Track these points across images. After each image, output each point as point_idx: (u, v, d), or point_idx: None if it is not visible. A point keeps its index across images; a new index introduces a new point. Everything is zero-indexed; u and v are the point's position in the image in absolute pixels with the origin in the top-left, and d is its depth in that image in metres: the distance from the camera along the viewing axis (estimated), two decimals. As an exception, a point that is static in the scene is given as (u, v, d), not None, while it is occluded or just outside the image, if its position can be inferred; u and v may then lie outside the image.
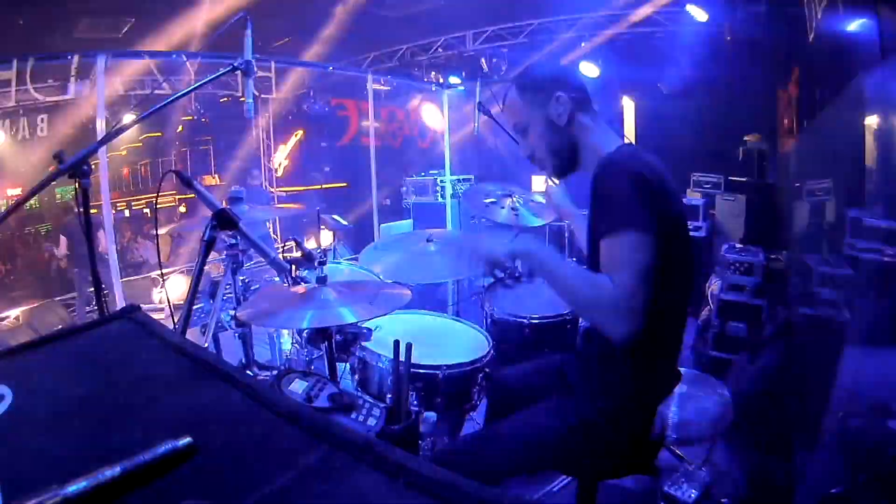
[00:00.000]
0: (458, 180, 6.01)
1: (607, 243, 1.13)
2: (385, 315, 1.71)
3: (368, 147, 5.80)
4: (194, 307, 1.41)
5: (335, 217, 5.47)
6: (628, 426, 1.30)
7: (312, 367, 1.97)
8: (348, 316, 1.45)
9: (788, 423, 2.45)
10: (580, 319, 2.07)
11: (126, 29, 5.96)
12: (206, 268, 1.43)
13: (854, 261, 2.59)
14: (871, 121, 2.59)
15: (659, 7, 5.77)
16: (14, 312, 5.06)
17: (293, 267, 1.68)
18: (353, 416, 1.29)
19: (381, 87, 7.43)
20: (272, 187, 8.21)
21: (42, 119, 6.16)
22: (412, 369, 1.55)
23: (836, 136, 3.11)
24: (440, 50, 7.40)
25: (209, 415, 0.54)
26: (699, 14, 5.36)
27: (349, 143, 8.49)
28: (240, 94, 6.75)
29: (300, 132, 8.67)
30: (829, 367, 2.15)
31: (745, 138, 5.37)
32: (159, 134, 8.00)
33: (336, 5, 6.13)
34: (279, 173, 8.53)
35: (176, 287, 5.47)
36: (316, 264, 1.62)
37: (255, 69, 1.65)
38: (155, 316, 0.83)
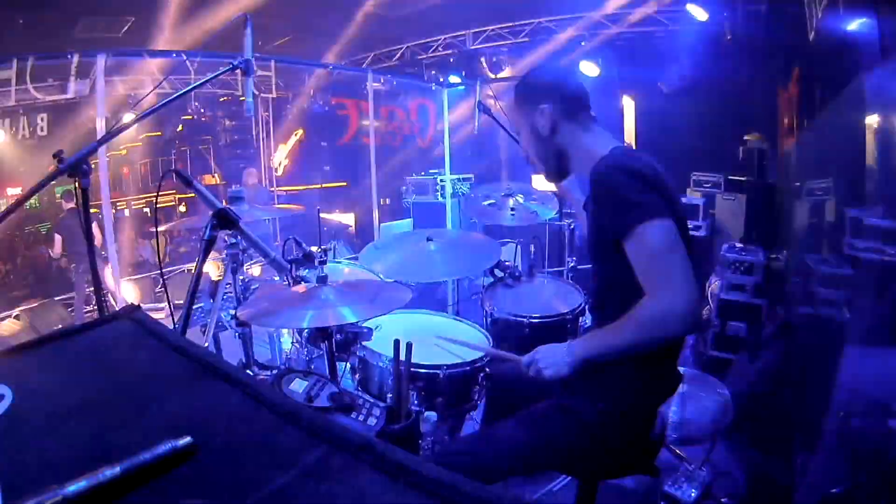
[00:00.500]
0: (458, 180, 6.02)
1: (631, 245, 1.13)
2: (385, 315, 1.71)
3: (368, 147, 5.81)
4: (194, 307, 1.41)
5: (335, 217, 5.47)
6: (628, 426, 1.30)
7: (312, 367, 1.97)
8: (348, 315, 1.45)
9: (788, 423, 2.45)
10: (580, 319, 2.07)
11: (126, 29, 5.95)
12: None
13: (854, 261, 2.59)
14: (871, 121, 2.58)
15: (659, 7, 5.77)
16: (14, 312, 5.05)
17: (293, 266, 1.68)
18: (353, 416, 1.29)
19: (380, 87, 7.42)
20: (272, 187, 8.20)
21: (42, 119, 6.16)
22: (412, 369, 1.54)
23: (836, 136, 3.11)
24: (440, 49, 7.40)
25: (209, 415, 0.54)
26: (699, 14, 5.35)
27: (349, 143, 8.49)
28: (240, 94, 6.76)
29: (300, 132, 8.67)
30: (829, 367, 2.15)
31: (745, 138, 5.37)
32: (159, 134, 8.00)
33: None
34: (279, 173, 8.52)
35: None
36: (316, 264, 1.62)
37: (255, 68, 1.65)
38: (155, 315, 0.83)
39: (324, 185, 8.83)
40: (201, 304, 2.57)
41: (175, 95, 1.72)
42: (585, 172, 1.27)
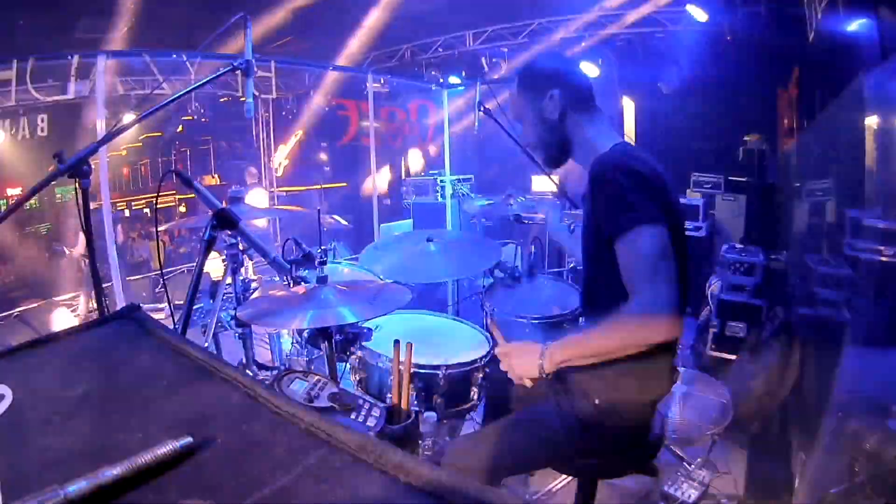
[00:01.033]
0: (458, 180, 6.02)
1: (622, 246, 1.14)
2: (385, 315, 1.71)
3: (368, 147, 5.81)
4: (194, 307, 1.41)
5: (335, 217, 5.47)
6: (627, 423, 1.30)
7: (312, 367, 1.97)
8: (348, 316, 1.45)
9: (788, 423, 2.45)
10: (580, 318, 2.07)
11: (126, 29, 5.95)
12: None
13: (854, 261, 2.59)
14: (871, 121, 2.58)
15: (659, 7, 5.77)
16: (14, 312, 5.05)
17: (293, 267, 1.68)
18: (353, 416, 1.29)
19: (380, 89, 7.42)
20: (272, 187, 8.20)
21: (42, 119, 6.15)
22: (412, 369, 1.54)
23: (836, 136, 3.11)
24: (440, 50, 7.39)
25: (209, 415, 0.54)
26: (699, 14, 5.35)
27: (349, 143, 8.49)
28: (240, 95, 6.75)
29: (300, 132, 8.67)
30: (829, 367, 2.15)
31: (745, 138, 5.37)
32: (159, 134, 7.99)
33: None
34: (279, 173, 8.52)
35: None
36: (316, 264, 1.62)
37: (255, 69, 1.65)
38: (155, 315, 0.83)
39: (324, 186, 8.83)
40: (201, 304, 2.57)
41: (175, 96, 1.72)
42: (586, 165, 1.28)
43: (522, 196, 2.46)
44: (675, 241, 1.16)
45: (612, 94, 6.19)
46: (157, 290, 5.74)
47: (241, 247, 1.83)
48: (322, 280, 1.55)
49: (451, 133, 6.04)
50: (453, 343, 1.89)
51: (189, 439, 0.47)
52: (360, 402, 1.32)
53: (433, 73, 7.53)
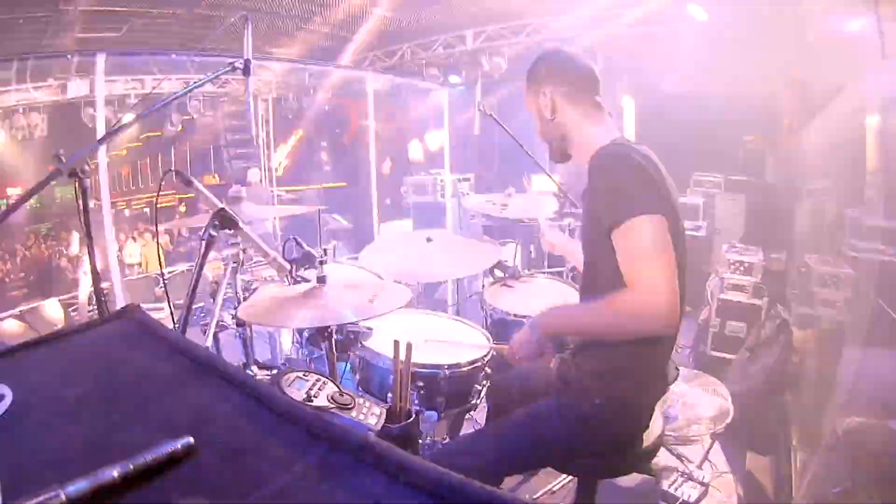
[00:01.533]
0: (458, 179, 6.02)
1: (620, 235, 1.14)
2: (385, 315, 1.71)
3: (368, 147, 5.81)
4: (194, 307, 1.41)
5: (335, 217, 5.47)
6: (625, 421, 1.31)
7: (312, 367, 1.97)
8: (348, 315, 1.45)
9: (788, 423, 2.45)
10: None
11: (126, 28, 5.95)
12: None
13: (854, 261, 2.59)
14: (871, 121, 2.58)
15: (659, 7, 5.76)
16: (14, 312, 5.05)
17: (293, 266, 1.68)
18: (353, 416, 1.29)
19: (380, 87, 7.42)
20: (272, 187, 8.20)
21: (42, 119, 6.16)
22: (413, 369, 1.54)
23: (836, 136, 3.11)
24: (440, 49, 7.39)
25: (209, 415, 0.54)
26: (699, 14, 5.35)
27: (349, 143, 8.49)
28: (240, 94, 6.75)
29: (300, 132, 8.67)
30: (829, 367, 2.15)
31: (745, 138, 5.37)
32: (159, 133, 8.00)
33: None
34: (279, 173, 8.52)
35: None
36: (316, 264, 1.62)
37: (255, 68, 1.65)
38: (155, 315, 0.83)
39: (324, 186, 8.83)
40: (201, 304, 2.57)
41: (175, 96, 1.72)
42: (584, 160, 1.28)
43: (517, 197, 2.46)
44: (673, 234, 1.16)
45: (612, 94, 6.19)
46: (156, 290, 5.75)
47: (241, 247, 1.83)
48: (322, 280, 1.55)
49: (450, 133, 6.04)
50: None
51: (189, 439, 0.47)
52: (360, 402, 1.32)
53: (433, 72, 7.52)
